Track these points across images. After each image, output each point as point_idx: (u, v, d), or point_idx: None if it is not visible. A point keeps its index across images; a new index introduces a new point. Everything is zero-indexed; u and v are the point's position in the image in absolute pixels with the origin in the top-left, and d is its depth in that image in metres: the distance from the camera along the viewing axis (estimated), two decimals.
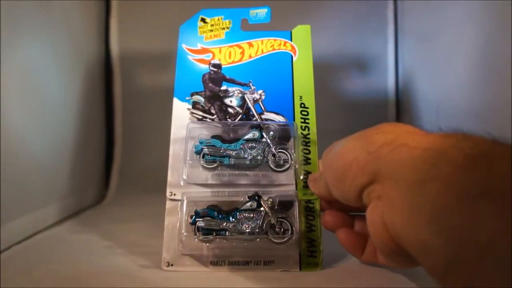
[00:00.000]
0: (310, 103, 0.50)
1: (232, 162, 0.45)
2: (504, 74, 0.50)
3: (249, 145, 0.46)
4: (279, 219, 0.44)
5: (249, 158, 0.45)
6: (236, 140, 0.47)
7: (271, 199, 0.44)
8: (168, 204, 0.46)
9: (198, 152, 0.46)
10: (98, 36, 0.89)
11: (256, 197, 0.44)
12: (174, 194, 0.46)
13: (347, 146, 0.36)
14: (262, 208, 0.44)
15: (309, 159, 0.47)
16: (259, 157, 0.45)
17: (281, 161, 0.46)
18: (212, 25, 0.53)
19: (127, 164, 0.91)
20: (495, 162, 0.25)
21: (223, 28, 0.53)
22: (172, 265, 0.44)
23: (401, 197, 0.29)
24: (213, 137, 0.47)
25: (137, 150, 0.91)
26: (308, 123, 0.49)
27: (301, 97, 0.50)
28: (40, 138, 0.61)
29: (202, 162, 0.46)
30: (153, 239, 0.51)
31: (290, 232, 0.43)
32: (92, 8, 0.86)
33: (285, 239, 0.43)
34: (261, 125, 0.47)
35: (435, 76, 0.73)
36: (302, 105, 0.50)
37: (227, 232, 0.43)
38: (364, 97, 0.90)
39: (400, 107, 0.89)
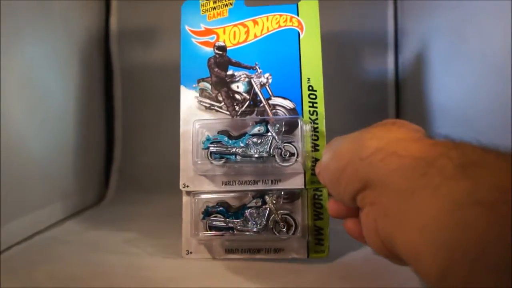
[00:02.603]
0: (318, 85, 0.47)
1: (239, 159, 0.45)
2: (504, 74, 0.47)
3: (255, 140, 0.45)
4: (283, 216, 0.44)
5: (256, 155, 0.44)
6: (242, 134, 0.45)
7: (275, 196, 0.44)
8: (184, 195, 0.47)
9: (205, 149, 0.45)
10: (98, 36, 0.85)
11: (261, 196, 0.44)
12: (188, 186, 0.47)
13: (342, 148, 0.36)
14: (267, 206, 0.44)
15: (317, 145, 0.46)
16: (265, 154, 0.44)
17: (287, 156, 0.44)
18: (214, 2, 0.49)
19: (127, 164, 0.88)
20: (485, 171, 0.24)
21: (226, 5, 0.49)
22: (191, 252, 0.47)
23: (393, 205, 0.29)
24: (220, 132, 0.46)
25: (137, 150, 0.89)
26: (316, 107, 0.47)
27: (309, 79, 0.47)
28: (40, 138, 0.60)
29: (209, 159, 0.45)
30: (154, 239, 0.52)
31: (294, 228, 0.44)
32: (92, 7, 0.82)
33: (289, 235, 0.44)
34: (266, 120, 0.45)
35: (435, 76, 0.69)
36: (310, 88, 0.47)
37: (235, 230, 0.44)
38: (364, 97, 0.85)
39: (400, 107, 0.84)
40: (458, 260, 0.23)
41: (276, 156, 0.44)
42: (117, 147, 0.89)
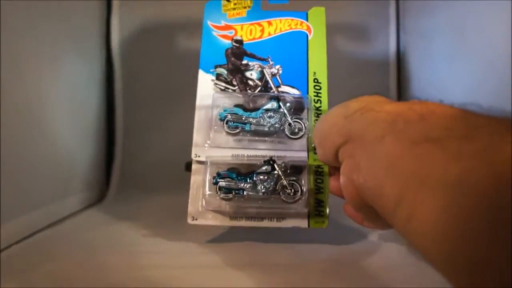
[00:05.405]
0: (323, 79, 0.52)
1: (253, 129, 0.48)
2: (505, 73, 0.50)
3: (268, 114, 0.48)
4: (290, 181, 0.46)
5: (267, 125, 0.48)
6: (256, 109, 0.49)
7: (283, 163, 0.46)
8: (194, 164, 0.49)
9: (222, 119, 0.48)
10: (99, 35, 0.85)
11: (271, 162, 0.46)
12: (199, 156, 0.49)
13: (331, 113, 0.39)
14: (275, 172, 0.46)
15: None
16: (276, 125, 0.48)
17: (296, 129, 0.48)
18: (235, 4, 0.55)
19: (127, 163, 0.87)
20: (439, 116, 0.28)
21: (245, 7, 0.55)
22: (196, 219, 0.47)
23: (365, 153, 0.32)
24: (236, 106, 0.49)
25: (138, 149, 0.87)
26: (320, 96, 0.51)
27: (314, 73, 0.52)
28: (39, 137, 0.58)
29: (225, 127, 0.48)
30: (154, 238, 0.52)
31: (299, 193, 0.46)
32: (93, 7, 0.82)
33: (295, 199, 0.46)
34: (279, 97, 0.49)
35: (436, 75, 0.72)
36: (316, 80, 0.51)
37: (244, 192, 0.46)
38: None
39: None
40: (409, 185, 0.26)
41: (286, 130, 0.48)
42: (117, 146, 0.88)
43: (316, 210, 0.47)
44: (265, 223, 0.47)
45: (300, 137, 0.48)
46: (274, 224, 0.47)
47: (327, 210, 0.47)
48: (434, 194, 0.24)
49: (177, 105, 0.84)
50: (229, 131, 0.48)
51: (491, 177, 0.22)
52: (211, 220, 0.47)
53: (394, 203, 0.27)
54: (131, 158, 0.87)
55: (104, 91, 0.86)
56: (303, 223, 0.47)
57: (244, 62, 0.53)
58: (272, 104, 0.48)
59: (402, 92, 0.88)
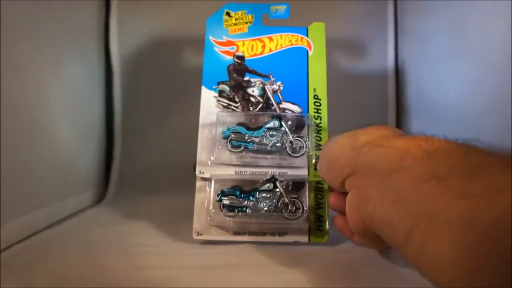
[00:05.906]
0: (323, 95, 0.53)
1: (255, 148, 0.49)
2: (504, 74, 0.51)
3: (270, 133, 0.50)
4: (292, 199, 0.48)
5: (270, 144, 0.49)
6: (258, 128, 0.50)
7: (285, 181, 0.48)
8: (198, 181, 0.50)
9: (225, 137, 0.50)
10: (98, 36, 0.84)
11: (273, 180, 0.48)
12: (203, 173, 0.50)
13: (338, 142, 0.42)
14: (277, 189, 0.48)
15: (320, 145, 0.51)
16: (278, 144, 0.49)
17: (297, 148, 0.49)
18: (236, 19, 0.55)
19: (126, 164, 0.87)
20: (443, 154, 0.30)
21: (246, 23, 0.55)
22: (201, 234, 0.49)
23: (374, 185, 0.35)
24: (239, 124, 0.50)
25: (137, 150, 0.87)
26: (320, 113, 0.52)
27: (315, 89, 0.53)
28: (39, 138, 0.58)
29: (229, 146, 0.49)
30: (153, 239, 0.52)
31: (301, 210, 0.48)
32: (92, 7, 0.81)
33: (297, 216, 0.48)
34: (281, 116, 0.50)
35: (434, 76, 0.73)
36: (316, 97, 0.53)
37: (247, 209, 0.47)
38: (364, 98, 0.87)
39: (400, 108, 0.87)
40: (418, 221, 0.28)
41: (287, 148, 0.49)
42: (116, 147, 0.87)
43: (317, 225, 0.49)
44: (267, 238, 0.49)
45: (301, 155, 0.49)
46: (276, 238, 0.49)
47: (327, 226, 0.49)
48: (443, 229, 0.26)
49: (176, 107, 0.85)
50: (232, 150, 0.49)
51: (493, 218, 0.24)
52: (216, 235, 0.49)
53: (404, 234, 0.30)
54: (130, 160, 0.87)
55: (103, 92, 0.86)
56: (303, 238, 0.49)
57: (246, 78, 0.54)
58: (274, 123, 0.50)
59: (400, 96, 0.88)
